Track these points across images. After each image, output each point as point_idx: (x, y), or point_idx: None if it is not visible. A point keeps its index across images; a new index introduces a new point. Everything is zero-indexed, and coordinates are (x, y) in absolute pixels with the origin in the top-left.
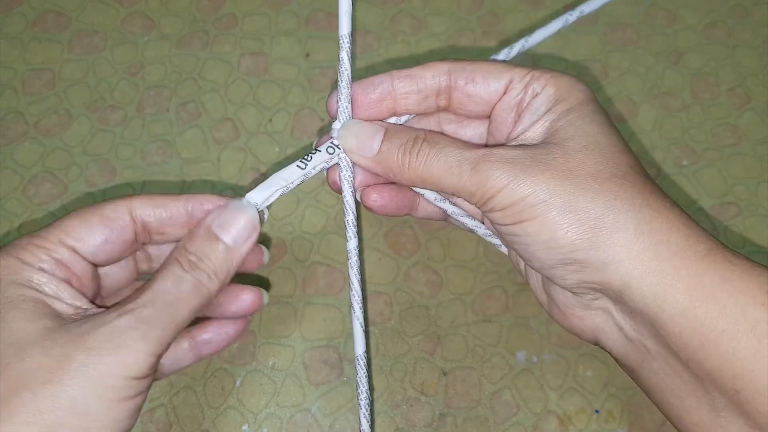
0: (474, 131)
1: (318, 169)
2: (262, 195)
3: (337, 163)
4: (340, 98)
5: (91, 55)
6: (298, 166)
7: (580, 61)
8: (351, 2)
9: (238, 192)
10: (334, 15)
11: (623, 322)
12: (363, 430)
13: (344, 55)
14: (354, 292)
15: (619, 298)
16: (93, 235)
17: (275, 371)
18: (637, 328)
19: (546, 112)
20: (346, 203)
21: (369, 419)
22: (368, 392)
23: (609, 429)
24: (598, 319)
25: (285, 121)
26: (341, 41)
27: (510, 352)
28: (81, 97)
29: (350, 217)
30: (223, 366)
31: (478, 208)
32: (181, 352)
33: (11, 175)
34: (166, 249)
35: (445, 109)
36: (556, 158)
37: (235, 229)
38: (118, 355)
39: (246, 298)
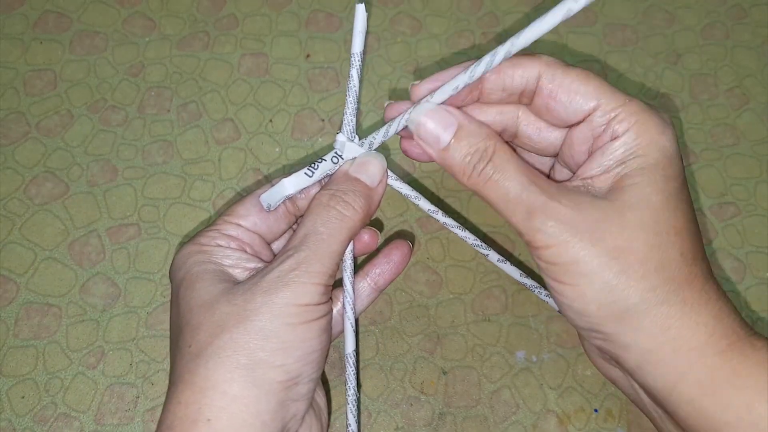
0: (549, 141)
1: (322, 176)
2: (273, 197)
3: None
4: (346, 112)
5: (92, 56)
6: (305, 173)
7: (579, 62)
8: (366, 23)
9: (239, 194)
10: (334, 16)
11: (638, 387)
12: (349, 424)
13: (354, 73)
14: (347, 293)
15: (632, 374)
16: (248, 209)
17: None
18: (649, 396)
19: (618, 165)
20: None
21: (356, 415)
22: (356, 389)
23: (608, 428)
24: (618, 373)
25: (285, 122)
26: (353, 59)
27: (509, 352)
28: (82, 98)
29: None
30: None
31: (525, 243)
32: (364, 291)
33: (13, 175)
34: None
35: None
36: (611, 230)
37: (370, 169)
38: (288, 290)
39: (365, 237)
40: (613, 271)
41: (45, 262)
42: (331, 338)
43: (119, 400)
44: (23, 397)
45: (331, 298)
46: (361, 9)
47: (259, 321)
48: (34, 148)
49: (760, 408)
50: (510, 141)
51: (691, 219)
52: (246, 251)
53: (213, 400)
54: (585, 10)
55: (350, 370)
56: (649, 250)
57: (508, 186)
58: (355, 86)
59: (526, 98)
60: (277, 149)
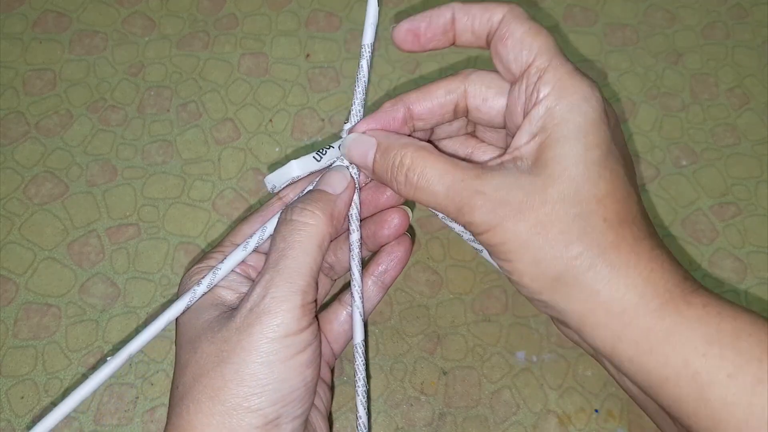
0: (496, 109)
1: (329, 162)
2: (279, 179)
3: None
4: (354, 103)
5: (92, 56)
6: (314, 157)
7: (579, 61)
8: (377, 14)
9: (238, 192)
10: (334, 15)
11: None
12: (360, 416)
13: (364, 63)
14: (355, 282)
15: (578, 335)
16: (252, 227)
17: None
18: (597, 354)
19: (540, 131)
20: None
21: (366, 406)
22: (365, 380)
23: (608, 428)
24: (576, 337)
25: (285, 122)
26: (363, 50)
27: (510, 352)
28: (82, 98)
29: (354, 211)
30: None
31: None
32: (370, 290)
33: (12, 175)
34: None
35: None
36: (533, 207)
37: (332, 180)
38: (262, 323)
39: (393, 218)
40: (536, 245)
41: (44, 262)
42: (319, 369)
43: (118, 400)
44: (23, 398)
45: (317, 318)
46: (373, 1)
47: (233, 363)
48: (34, 147)
49: (696, 362)
50: (464, 116)
51: (619, 185)
52: (249, 273)
53: None
54: (585, 10)
55: (359, 361)
56: (571, 220)
57: (433, 189)
58: (364, 77)
59: (461, 110)
60: (277, 149)
